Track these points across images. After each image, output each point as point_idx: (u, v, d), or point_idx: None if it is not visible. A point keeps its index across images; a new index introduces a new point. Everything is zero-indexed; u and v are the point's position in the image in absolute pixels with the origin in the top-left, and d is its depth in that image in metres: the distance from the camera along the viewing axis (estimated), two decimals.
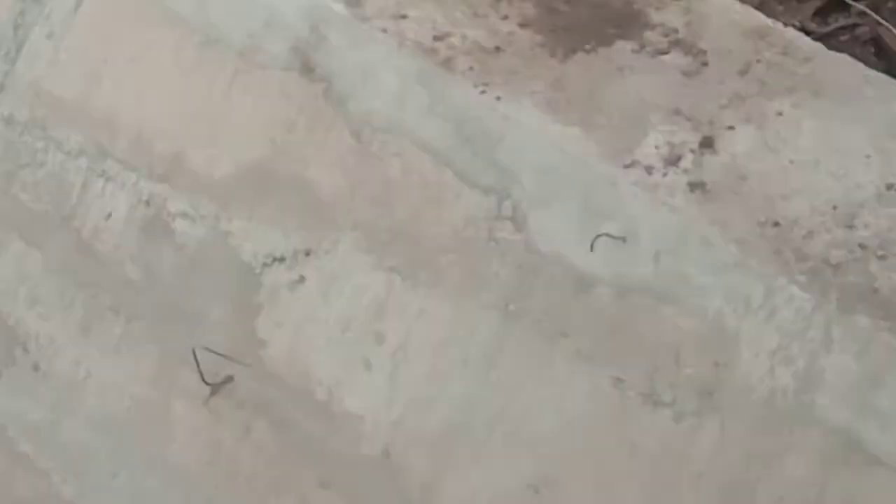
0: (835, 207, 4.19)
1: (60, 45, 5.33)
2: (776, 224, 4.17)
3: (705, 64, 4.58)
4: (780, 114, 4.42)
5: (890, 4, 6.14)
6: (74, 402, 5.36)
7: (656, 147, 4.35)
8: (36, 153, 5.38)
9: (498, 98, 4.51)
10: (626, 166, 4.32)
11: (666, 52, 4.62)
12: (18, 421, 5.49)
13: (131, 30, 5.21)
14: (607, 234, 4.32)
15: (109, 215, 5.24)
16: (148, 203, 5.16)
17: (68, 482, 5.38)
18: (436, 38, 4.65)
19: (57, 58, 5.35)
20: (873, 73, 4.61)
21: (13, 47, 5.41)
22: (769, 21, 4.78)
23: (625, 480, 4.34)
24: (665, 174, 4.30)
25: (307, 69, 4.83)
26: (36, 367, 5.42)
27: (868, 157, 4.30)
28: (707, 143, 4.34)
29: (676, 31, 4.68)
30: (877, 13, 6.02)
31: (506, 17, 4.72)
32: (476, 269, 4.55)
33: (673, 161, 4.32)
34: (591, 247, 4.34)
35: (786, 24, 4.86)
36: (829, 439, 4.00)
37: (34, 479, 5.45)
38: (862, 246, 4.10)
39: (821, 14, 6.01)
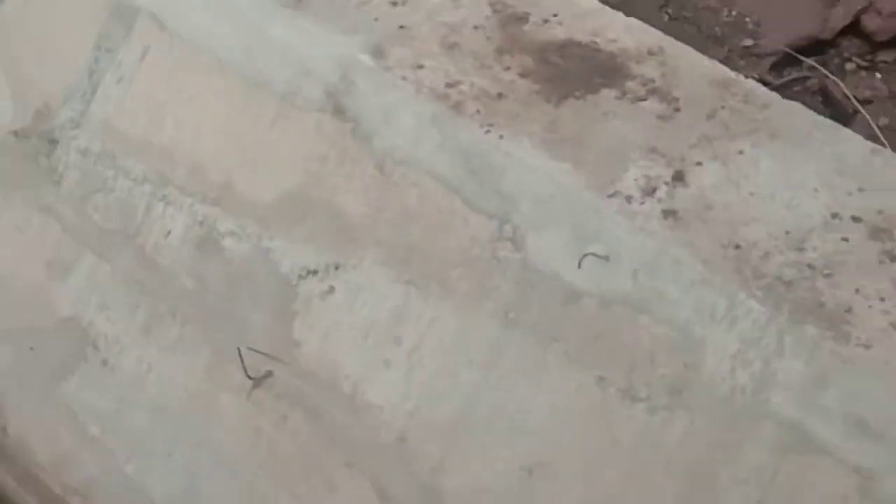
0: (787, 233, 4.19)
1: (129, 89, 5.35)
2: (737, 247, 4.18)
3: (678, 109, 4.58)
4: (741, 152, 4.43)
5: (836, 61, 6.15)
6: (137, 393, 5.36)
7: (635, 180, 4.36)
8: (107, 180, 5.40)
9: (501, 137, 4.51)
10: (610, 196, 4.33)
11: (644, 99, 4.62)
12: (89, 408, 5.49)
13: (189, 76, 5.23)
14: (593, 254, 4.32)
15: (168, 233, 5.25)
16: (201, 224, 5.17)
17: (131, 461, 5.39)
18: (448, 86, 4.66)
19: (125, 99, 5.36)
20: (821, 118, 4.62)
21: (88, 90, 5.43)
22: (732, 73, 4.80)
23: (606, 465, 4.33)
24: (642, 203, 4.30)
25: (338, 111, 4.84)
26: (105, 363, 5.43)
27: (816, 190, 4.30)
28: (679, 177, 4.34)
29: (653, 80, 4.69)
30: (825, 68, 6.04)
31: (508, 69, 4.73)
32: (480, 283, 4.55)
33: (649, 192, 4.32)
34: (579, 264, 4.34)
35: (747, 76, 4.87)
36: (781, 431, 3.99)
37: (101, 458, 5.46)
38: (810, 266, 4.10)
39: (776, 68, 6.03)
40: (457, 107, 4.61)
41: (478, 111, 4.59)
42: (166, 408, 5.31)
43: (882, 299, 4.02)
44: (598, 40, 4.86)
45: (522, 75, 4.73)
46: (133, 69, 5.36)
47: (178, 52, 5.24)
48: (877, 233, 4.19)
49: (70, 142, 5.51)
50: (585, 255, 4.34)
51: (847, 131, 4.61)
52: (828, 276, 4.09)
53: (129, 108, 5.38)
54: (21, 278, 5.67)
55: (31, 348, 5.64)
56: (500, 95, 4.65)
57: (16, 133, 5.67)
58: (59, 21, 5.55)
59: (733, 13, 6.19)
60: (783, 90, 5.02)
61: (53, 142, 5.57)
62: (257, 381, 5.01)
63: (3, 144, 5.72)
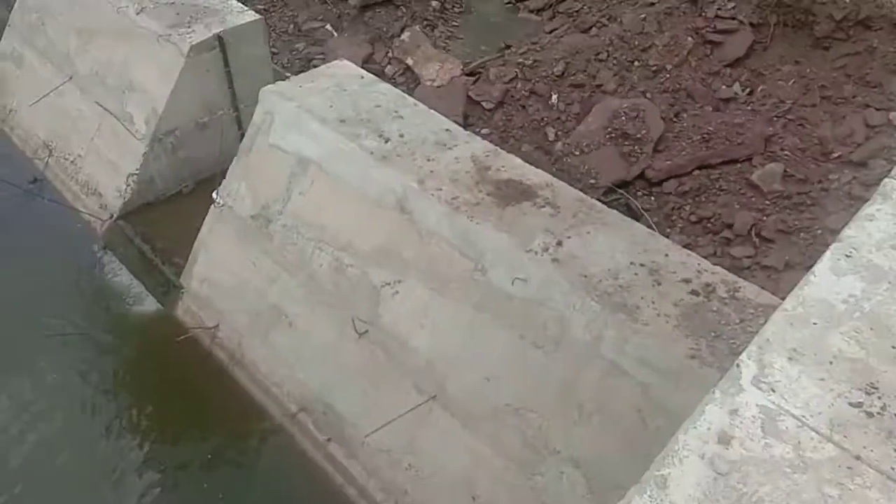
0: (609, 269, 4.15)
1: (305, 197, 5.33)
2: (586, 276, 4.13)
3: (559, 211, 4.55)
4: (588, 233, 4.39)
5: (633, 190, 6.13)
6: (305, 339, 5.32)
7: (539, 244, 4.32)
8: (293, 239, 5.37)
9: (477, 223, 4.50)
10: (527, 251, 4.29)
11: (544, 207, 4.60)
12: (282, 345, 5.44)
13: (333, 192, 5.21)
14: (519, 278, 4.28)
15: (321, 265, 5.22)
16: (337, 260, 5.15)
17: (301, 370, 5.34)
18: (452, 199, 4.64)
19: (303, 202, 5.35)
20: (626, 218, 4.60)
21: (286, 197, 5.40)
22: (585, 196, 4.77)
23: (524, 377, 4.24)
24: (542, 255, 4.26)
25: (402, 209, 4.82)
26: (290, 324, 5.39)
27: (623, 251, 4.25)
28: (559, 243, 4.30)
29: (548, 198, 4.66)
30: (628, 194, 6.04)
31: (480, 192, 4.69)
32: (465, 291, 4.51)
33: (546, 249, 4.28)
34: (513, 283, 4.31)
35: (592, 197, 4.82)
36: (605, 364, 3.94)
37: (288, 368, 5.40)
38: (620, 286, 4.05)
39: (606, 194, 6.04)
40: (457, 209, 4.59)
41: (466, 211, 4.57)
42: (318, 347, 5.25)
43: (653, 302, 3.99)
44: (522, 179, 4.83)
45: (488, 195, 4.70)
46: (307, 188, 5.35)
47: (328, 180, 5.24)
48: (651, 272, 4.16)
49: (277, 221, 5.50)
50: (515, 279, 4.31)
51: (638, 224, 4.59)
52: (628, 291, 4.05)
53: (305, 206, 5.37)
54: (252, 285, 5.65)
55: (259, 318, 5.58)
56: (477, 204, 4.62)
57: (252, 216, 5.65)
58: (271, 166, 5.53)
59: (585, 168, 6.24)
60: (609, 204, 5.04)
61: (269, 221, 5.55)
62: (361, 335, 4.96)
63: (246, 222, 5.70)
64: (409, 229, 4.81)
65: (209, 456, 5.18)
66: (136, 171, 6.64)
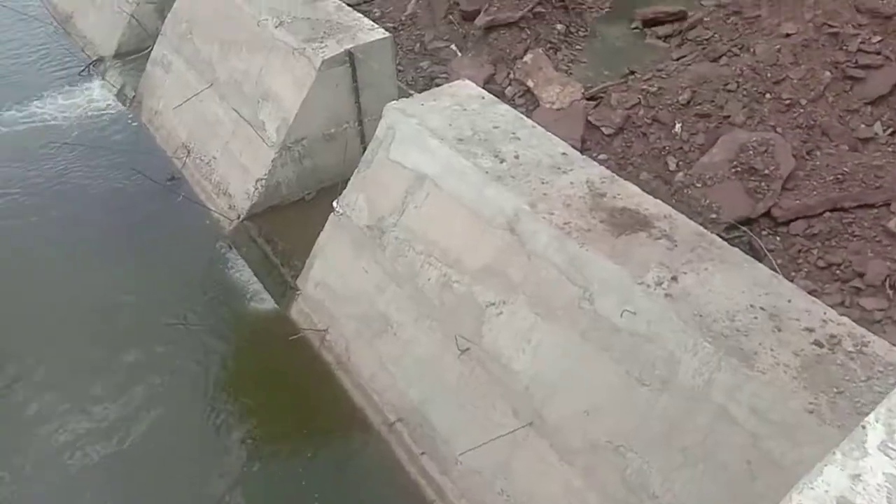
0: (727, 311, 3.98)
1: (419, 211, 5.44)
2: (700, 315, 3.98)
3: (676, 245, 4.43)
4: (706, 269, 4.24)
5: (757, 229, 5.87)
6: (408, 350, 5.41)
7: (652, 277, 4.21)
8: (404, 251, 5.49)
9: (587, 249, 4.45)
10: (639, 283, 4.19)
11: (660, 239, 4.48)
12: (386, 354, 5.56)
13: (446, 208, 5.28)
14: (628, 310, 4.18)
15: (429, 279, 5.31)
16: (444, 276, 5.21)
17: (401, 379, 5.43)
18: (564, 224, 4.61)
19: (417, 216, 5.46)
20: (748, 256, 4.40)
21: (401, 210, 5.53)
22: (704, 230, 4.59)
23: (627, 414, 4.13)
24: (656, 288, 4.15)
25: (511, 230, 4.83)
26: (395, 334, 5.50)
27: (743, 292, 4.09)
28: (674, 279, 4.18)
29: (665, 230, 4.54)
30: (752, 232, 5.78)
31: (594, 218, 4.64)
32: (572, 319, 4.45)
33: (659, 283, 4.17)
34: (621, 315, 4.21)
35: (712, 233, 4.64)
36: (715, 409, 3.78)
37: (389, 377, 5.50)
38: (737, 329, 3.88)
39: (727, 230, 5.81)
40: (568, 234, 4.56)
41: (577, 237, 4.53)
42: (420, 359, 5.32)
43: (772, 349, 3.79)
44: (639, 208, 4.74)
45: (601, 221, 4.64)
46: (421, 202, 5.46)
47: (442, 197, 5.32)
48: (772, 316, 3.96)
49: (390, 232, 5.64)
50: (624, 311, 4.21)
51: (760, 265, 4.36)
52: (745, 335, 3.87)
53: (418, 221, 5.48)
54: (362, 292, 5.81)
55: (366, 324, 5.74)
56: (588, 230, 4.57)
57: (368, 226, 5.83)
58: (389, 179, 5.68)
59: (707, 201, 6.01)
60: (730, 241, 4.81)
61: (383, 232, 5.71)
62: (462, 352, 4.99)
63: (362, 231, 5.88)
64: (518, 251, 4.81)
65: (309, 455, 5.36)
66: (265, 176, 7.02)
